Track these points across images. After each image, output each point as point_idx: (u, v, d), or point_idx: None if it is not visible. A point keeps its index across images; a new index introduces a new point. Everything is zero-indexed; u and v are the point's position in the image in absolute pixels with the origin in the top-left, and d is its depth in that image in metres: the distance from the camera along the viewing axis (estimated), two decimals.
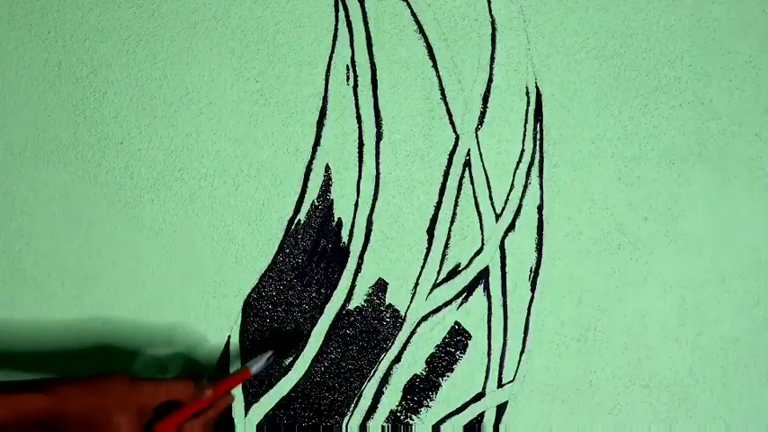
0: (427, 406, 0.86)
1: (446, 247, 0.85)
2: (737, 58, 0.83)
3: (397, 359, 0.85)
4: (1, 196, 0.83)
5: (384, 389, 0.85)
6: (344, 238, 0.84)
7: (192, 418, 0.74)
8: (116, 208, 0.83)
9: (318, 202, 0.84)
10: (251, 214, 0.83)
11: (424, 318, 0.85)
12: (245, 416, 0.85)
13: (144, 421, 0.70)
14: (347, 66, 0.83)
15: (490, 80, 0.83)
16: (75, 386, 0.68)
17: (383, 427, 0.85)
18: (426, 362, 0.85)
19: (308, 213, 0.84)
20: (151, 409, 0.71)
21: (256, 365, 0.80)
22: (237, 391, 0.85)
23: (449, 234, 0.85)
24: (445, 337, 0.85)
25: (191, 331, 0.83)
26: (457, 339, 0.85)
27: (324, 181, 0.84)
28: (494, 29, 0.83)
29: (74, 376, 0.69)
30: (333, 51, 0.83)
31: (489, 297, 0.85)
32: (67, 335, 0.83)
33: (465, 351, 0.85)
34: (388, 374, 0.85)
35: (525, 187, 0.84)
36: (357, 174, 0.84)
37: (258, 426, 0.85)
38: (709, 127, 0.83)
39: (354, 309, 0.85)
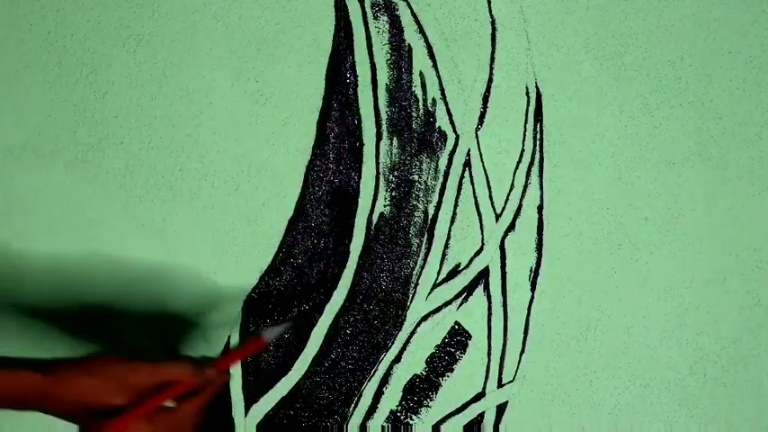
0: (427, 406, 0.86)
1: (446, 247, 0.85)
2: (737, 58, 0.83)
3: (397, 359, 0.85)
4: (1, 196, 0.83)
5: (384, 389, 0.85)
6: (345, 237, 0.84)
7: (185, 399, 0.66)
8: (116, 208, 0.83)
9: (318, 202, 0.84)
10: (251, 214, 0.83)
11: (424, 318, 0.85)
12: (246, 416, 0.85)
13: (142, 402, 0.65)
14: (347, 66, 0.83)
15: (490, 80, 0.83)
16: (70, 366, 0.66)
17: (383, 427, 0.85)
18: (426, 362, 0.85)
19: (308, 213, 0.84)
20: (149, 390, 0.66)
21: (272, 334, 0.71)
22: (237, 392, 0.85)
23: (449, 234, 0.85)
24: (445, 337, 0.85)
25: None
26: (457, 339, 0.85)
27: (324, 181, 0.84)
28: (494, 29, 0.83)
29: (70, 357, 0.67)
30: (333, 51, 0.83)
31: (489, 297, 0.85)
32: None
33: (465, 351, 0.85)
34: (388, 374, 0.85)
35: (525, 187, 0.84)
36: (357, 174, 0.84)
37: (258, 426, 0.85)
38: (710, 127, 0.83)
39: (355, 307, 0.85)
